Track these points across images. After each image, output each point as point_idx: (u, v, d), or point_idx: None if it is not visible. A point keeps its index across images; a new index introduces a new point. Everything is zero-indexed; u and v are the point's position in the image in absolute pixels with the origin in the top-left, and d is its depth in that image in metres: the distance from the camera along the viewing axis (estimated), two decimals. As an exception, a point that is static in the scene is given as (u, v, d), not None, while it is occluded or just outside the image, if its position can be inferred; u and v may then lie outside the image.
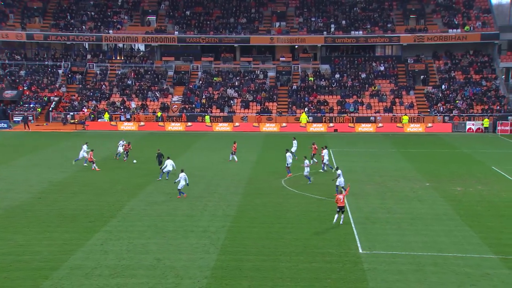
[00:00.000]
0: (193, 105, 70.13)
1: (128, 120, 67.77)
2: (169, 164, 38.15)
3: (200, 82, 74.89)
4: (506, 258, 23.59)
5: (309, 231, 27.13)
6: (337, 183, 33.33)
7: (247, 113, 68.52)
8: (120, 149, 45.90)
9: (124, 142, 45.69)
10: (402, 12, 79.51)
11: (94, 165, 41.73)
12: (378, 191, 35.25)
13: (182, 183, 33.33)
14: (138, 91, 73.16)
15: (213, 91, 72.72)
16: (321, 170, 40.89)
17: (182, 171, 34.11)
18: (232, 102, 70.40)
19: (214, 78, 74.88)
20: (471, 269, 22.44)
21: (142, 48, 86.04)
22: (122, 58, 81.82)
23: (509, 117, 63.41)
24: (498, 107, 66.04)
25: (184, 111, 69.04)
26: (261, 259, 23.60)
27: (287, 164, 39.22)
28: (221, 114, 68.52)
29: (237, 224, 28.39)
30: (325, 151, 41.30)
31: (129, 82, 75.08)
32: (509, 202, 32.64)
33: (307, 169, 37.31)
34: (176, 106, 70.56)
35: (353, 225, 27.99)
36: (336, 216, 28.04)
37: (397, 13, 79.57)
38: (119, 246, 25.26)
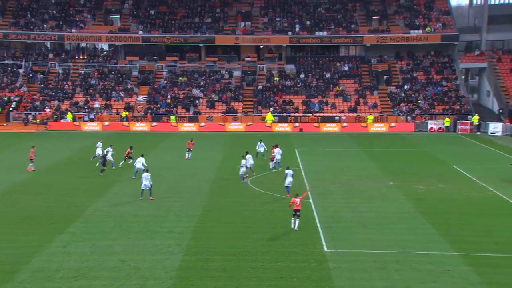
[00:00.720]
0: (158, 105, 69.62)
1: (91, 120, 66.88)
2: (138, 162, 37.76)
3: (165, 81, 74.39)
4: (466, 255, 24.08)
5: (274, 231, 27.20)
6: (286, 184, 33.20)
7: (213, 113, 68.40)
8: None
9: (111, 149, 42.65)
10: (365, 13, 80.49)
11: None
12: (343, 190, 35.60)
13: (145, 183, 32.94)
14: (102, 91, 72.27)
15: (178, 91, 72.31)
16: (272, 169, 40.89)
17: (146, 171, 33.84)
18: (197, 102, 70.16)
19: (179, 78, 74.47)
20: (433, 266, 22.84)
21: (105, 47, 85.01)
22: (85, 57, 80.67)
23: (468, 117, 64.80)
24: (458, 107, 67.41)
25: (149, 111, 68.49)
26: (227, 259, 23.60)
27: (249, 166, 39.04)
28: (187, 114, 68.20)
29: (202, 224, 28.31)
30: (276, 150, 41.15)
31: (93, 81, 74.10)
32: (469, 200, 33.36)
33: (242, 169, 37.29)
34: (141, 106, 69.95)
35: (318, 224, 28.19)
36: (292, 220, 27.39)
37: (360, 14, 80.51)
38: (82, 248, 24.93)
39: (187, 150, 45.99)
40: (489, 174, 40.02)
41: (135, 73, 75.91)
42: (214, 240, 25.86)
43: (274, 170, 40.75)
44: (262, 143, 45.22)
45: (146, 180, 32.90)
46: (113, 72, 75.73)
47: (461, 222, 28.77)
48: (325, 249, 24.79)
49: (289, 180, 33.32)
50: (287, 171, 33.77)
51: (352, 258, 23.67)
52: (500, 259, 23.74)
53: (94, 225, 28.31)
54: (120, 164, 42.42)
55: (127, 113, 67.15)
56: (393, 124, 64.71)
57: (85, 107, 69.04)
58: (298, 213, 27.23)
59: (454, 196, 34.15)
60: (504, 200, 33.31)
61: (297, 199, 27.29)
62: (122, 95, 71.50)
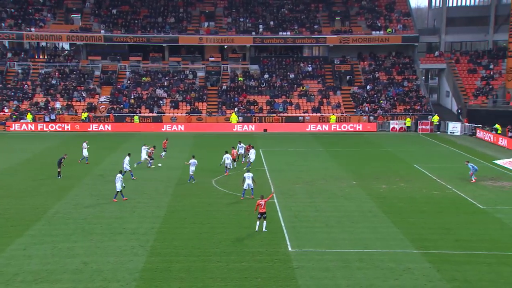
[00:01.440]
0: (121, 105, 68.84)
1: (52, 121, 65.70)
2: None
3: (128, 82, 73.62)
4: (427, 252, 24.53)
5: (239, 231, 27.25)
6: (244, 187, 33.03)
7: (177, 113, 67.99)
8: (85, 152, 43.48)
9: (85, 144, 43.31)
10: (327, 14, 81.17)
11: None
12: (307, 190, 35.83)
13: (118, 185, 32.66)
14: (63, 91, 71.06)
15: (141, 91, 71.64)
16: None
17: (120, 172, 33.66)
18: (161, 102, 69.64)
19: (143, 78, 73.80)
20: (395, 264, 23.18)
21: (66, 47, 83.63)
22: (46, 57, 79.18)
23: (429, 117, 66.03)
24: (419, 107, 68.62)
25: (112, 111, 67.66)
26: (191, 260, 23.53)
27: (226, 164, 39.54)
28: (150, 114, 67.64)
29: (166, 225, 28.18)
30: (251, 151, 41.63)
31: (54, 81, 72.79)
32: (429, 198, 33.97)
33: (192, 168, 37.42)
34: (104, 106, 69.04)
35: (282, 224, 28.32)
36: (257, 223, 27.31)
37: (323, 15, 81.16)
38: (43, 250, 24.52)
39: (163, 149, 46.23)
40: (448, 173, 40.86)
41: (97, 73, 74.90)
42: (178, 241, 25.76)
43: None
44: (241, 144, 44.92)
45: (119, 181, 32.62)
46: (74, 72, 74.56)
47: (422, 221, 29.27)
48: (289, 248, 24.92)
49: (247, 183, 32.96)
50: (245, 174, 33.54)
51: (316, 257, 23.83)
52: (459, 256, 24.21)
53: (55, 227, 27.86)
54: (162, 155, 44.62)
55: (87, 114, 66.06)
56: (355, 124, 65.38)
57: (46, 108, 67.76)
58: (264, 215, 27.22)
59: (415, 195, 34.73)
60: (463, 198, 34.03)
61: (262, 202, 27.21)
62: (84, 95, 70.46)
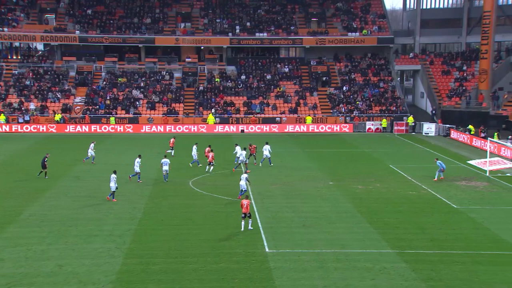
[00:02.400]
0: (97, 106, 68.21)
1: (27, 122, 64.81)
2: (165, 164, 37.78)
3: (104, 82, 72.96)
4: (402, 252, 24.76)
5: (216, 232, 27.22)
6: (242, 188, 33.19)
7: (153, 114, 67.62)
8: (92, 152, 44.27)
9: (92, 145, 44.07)
10: (304, 15, 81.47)
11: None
12: (284, 191, 35.93)
13: (112, 184, 32.64)
14: (37, 92, 70.15)
15: (117, 92, 71.07)
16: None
17: (114, 172, 33.52)
18: (137, 103, 69.19)
19: (119, 79, 73.21)
20: (371, 264, 23.35)
21: (40, 47, 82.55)
22: (19, 57, 78.02)
23: (404, 118, 66.69)
24: (394, 108, 69.27)
25: (88, 112, 67.00)
26: (168, 261, 23.46)
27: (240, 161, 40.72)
28: (127, 115, 67.14)
29: (143, 227, 28.03)
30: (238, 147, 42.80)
31: (27, 82, 71.81)
32: (405, 198, 34.31)
33: (165, 168, 37.66)
34: (79, 107, 68.33)
35: (259, 225, 28.35)
36: (242, 223, 27.57)
37: (299, 16, 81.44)
38: (16, 253, 24.19)
39: (171, 148, 47.70)
40: (423, 173, 41.28)
41: (72, 73, 74.06)
42: (155, 243, 25.64)
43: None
44: (238, 146, 44.75)
45: (113, 181, 32.59)
46: (49, 73, 73.64)
47: (398, 221, 29.56)
48: (267, 249, 24.95)
49: (240, 183, 33.27)
50: (242, 175, 33.94)
51: (293, 258, 23.90)
52: (434, 255, 24.47)
53: (29, 229, 27.52)
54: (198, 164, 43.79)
55: (60, 115, 65.23)
56: (332, 125, 65.77)
57: (20, 109, 66.83)
58: (248, 215, 27.49)
59: (390, 195, 35.05)
60: (437, 198, 34.41)
61: (245, 202, 27.49)
62: (59, 96, 69.65)
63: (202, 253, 24.40)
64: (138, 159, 38.15)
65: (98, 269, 22.56)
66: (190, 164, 43.09)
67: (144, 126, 64.94)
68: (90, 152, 44.45)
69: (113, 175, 32.97)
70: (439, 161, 39.73)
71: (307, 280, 21.76)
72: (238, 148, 43.47)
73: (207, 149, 42.79)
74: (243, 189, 32.91)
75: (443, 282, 21.67)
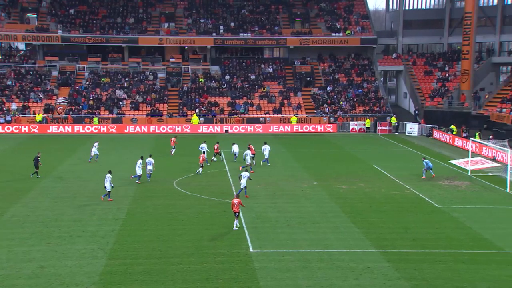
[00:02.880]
0: (80, 107, 67.70)
1: (8, 122, 64.13)
2: (148, 164, 37.78)
3: (87, 83, 72.42)
4: (386, 252, 24.89)
5: (200, 233, 27.15)
6: (241, 186, 33.52)
7: (137, 114, 67.28)
8: (96, 151, 44.86)
9: (97, 144, 44.53)
10: (288, 16, 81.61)
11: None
12: (269, 191, 35.93)
13: (107, 185, 32.68)
14: (19, 92, 69.45)
15: (101, 92, 70.62)
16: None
17: (109, 172, 33.51)
18: (121, 103, 68.78)
19: (102, 79, 72.74)
20: (355, 264, 23.43)
21: (22, 47, 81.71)
22: (0, 57, 77.14)
23: (387, 118, 67.06)
24: (378, 108, 69.61)
25: (71, 112, 66.44)
26: (152, 262, 23.35)
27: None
28: (110, 115, 66.74)
29: (127, 228, 27.90)
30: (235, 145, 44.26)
31: (9, 82, 71.05)
32: (388, 198, 34.50)
33: (149, 167, 37.87)
34: (62, 107, 67.75)
35: (244, 225, 28.35)
36: (235, 221, 27.89)
37: (283, 17, 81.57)
38: (-2, 255, 23.92)
39: (172, 147, 48.64)
40: (406, 173, 41.58)
41: (54, 73, 73.43)
42: (138, 244, 25.52)
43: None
44: (236, 145, 46.14)
45: (108, 181, 32.68)
46: (31, 73, 72.94)
47: (381, 220, 29.70)
48: (251, 249, 24.94)
49: (241, 182, 33.43)
50: (242, 173, 34.06)
51: (277, 258, 23.90)
52: (417, 254, 24.63)
53: (11, 231, 27.23)
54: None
55: (41, 116, 64.59)
56: (316, 125, 65.93)
57: (1, 109, 66.12)
58: (236, 214, 27.80)
59: (374, 195, 35.21)
60: (420, 198, 34.65)
61: (235, 201, 27.77)
62: (41, 96, 69.02)
63: (186, 253, 24.33)
64: (140, 161, 38.02)
65: (81, 270, 22.39)
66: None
67: (127, 127, 64.61)
68: (94, 151, 44.85)
69: (108, 175, 32.99)
70: (426, 160, 40.07)
71: (291, 280, 21.78)
72: (235, 147, 45.25)
73: (216, 145, 43.77)
74: (242, 187, 33.21)
75: (426, 281, 21.79)
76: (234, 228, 27.73)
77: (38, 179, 38.31)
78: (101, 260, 23.41)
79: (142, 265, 22.95)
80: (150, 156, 38.64)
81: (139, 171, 37.45)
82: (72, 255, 23.93)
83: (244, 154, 41.94)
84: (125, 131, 63.89)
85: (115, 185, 33.82)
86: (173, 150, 48.55)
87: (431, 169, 39.79)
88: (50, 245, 25.24)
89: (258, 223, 28.86)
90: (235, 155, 45.66)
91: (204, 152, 42.59)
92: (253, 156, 42.91)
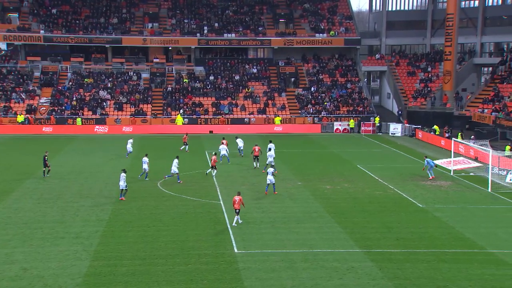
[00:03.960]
0: (63, 107, 67.18)
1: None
2: (144, 163, 38.23)
3: (70, 83, 71.90)
4: (369, 252, 25.00)
5: (185, 233, 27.09)
6: (267, 182, 34.70)
7: (121, 115, 66.93)
8: (129, 147, 46.73)
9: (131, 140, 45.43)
10: (272, 16, 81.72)
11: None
12: (253, 191, 35.92)
13: (121, 183, 32.78)
14: (0, 93, 68.73)
15: (84, 92, 70.13)
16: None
17: (123, 171, 33.59)
18: (104, 104, 68.39)
19: (85, 80, 72.25)
20: (339, 264, 23.49)
21: (3, 47, 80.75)
22: (-18, 57, 76.49)
23: (371, 118, 67.42)
24: (361, 109, 69.96)
25: (54, 113, 65.92)
26: (136, 263, 23.25)
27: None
28: (94, 116, 66.32)
29: (111, 229, 27.76)
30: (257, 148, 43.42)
31: (-10, 82, 70.36)
32: (372, 198, 34.67)
33: (144, 166, 38.20)
34: (44, 108, 67.17)
35: (228, 226, 28.34)
36: (235, 217, 28.45)
37: (267, 17, 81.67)
38: (-21, 257, 23.67)
39: (184, 143, 50.24)
40: (390, 173, 41.84)
41: (37, 74, 72.76)
42: (123, 245, 25.41)
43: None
44: (239, 139, 48.19)
45: (121, 180, 32.78)
46: (12, 73, 72.21)
47: (365, 220, 29.83)
48: (235, 250, 24.92)
49: (268, 178, 34.64)
50: (268, 169, 35.27)
51: (262, 258, 23.90)
52: (400, 254, 24.77)
53: (-7, 233, 26.97)
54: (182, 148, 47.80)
55: (23, 117, 63.98)
56: (301, 126, 66.07)
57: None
58: (237, 211, 28.30)
59: (358, 195, 35.36)
60: (403, 197, 34.88)
61: (236, 198, 28.29)
62: (23, 96, 68.37)
63: (171, 254, 24.25)
64: (145, 158, 38.63)
65: (64, 272, 22.22)
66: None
67: (111, 127, 64.15)
68: (129, 147, 46.62)
69: (123, 174, 33.14)
70: (428, 159, 40.38)
71: (276, 280, 21.79)
72: (239, 141, 47.22)
73: (257, 148, 43.23)
74: (272, 183, 34.57)
75: (409, 280, 21.90)
76: (234, 224, 28.17)
77: (20, 180, 37.94)
78: (84, 262, 23.26)
79: (127, 266, 22.84)
80: (146, 155, 39.02)
81: (175, 170, 37.90)
82: (55, 257, 23.76)
83: (240, 148, 41.64)
84: (109, 132, 63.23)
85: (98, 187, 33.70)
86: (186, 147, 50.25)
87: (432, 168, 39.94)
88: (32, 246, 25.03)
89: (242, 223, 28.81)
90: (240, 150, 47.64)
91: (215, 154, 41.88)
92: (257, 157, 42.93)
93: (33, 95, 68.93)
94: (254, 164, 43.03)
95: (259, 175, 40.94)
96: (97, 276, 21.92)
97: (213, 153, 42.45)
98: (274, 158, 41.51)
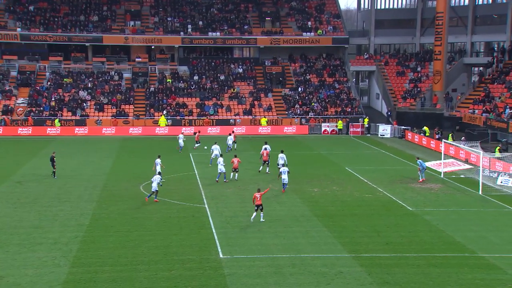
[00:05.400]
0: (41, 108, 65.86)
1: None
2: (157, 164, 37.63)
3: (49, 83, 70.53)
4: (358, 256, 24.58)
5: (168, 238, 26.58)
6: (283, 181, 35.51)
7: (102, 116, 65.77)
8: (181, 142, 49.57)
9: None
10: (258, 15, 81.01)
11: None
12: (238, 195, 35.29)
13: (154, 185, 32.57)
14: (-24, 93, 67.26)
15: (63, 93, 68.85)
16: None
17: (158, 173, 33.66)
18: (85, 104, 67.19)
19: (64, 79, 70.94)
20: (327, 269, 23.08)
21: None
22: (-46, 56, 74.68)
23: (360, 119, 66.86)
24: (350, 109, 69.41)
25: (31, 114, 64.54)
26: (118, 269, 22.79)
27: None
28: (73, 117, 65.09)
29: (91, 234, 27.17)
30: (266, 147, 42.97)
31: (-35, 82, 68.72)
32: (361, 201, 34.16)
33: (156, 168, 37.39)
34: (21, 109, 65.73)
35: (213, 230, 27.85)
36: (254, 214, 28.83)
37: (253, 15, 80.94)
38: (-47, 264, 22.85)
39: (196, 142, 51.47)
40: (379, 176, 41.35)
41: (13, 73, 71.26)
42: (103, 250, 24.89)
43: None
44: (231, 136, 50.28)
45: (154, 181, 32.87)
46: (-13, 73, 70.67)
47: (353, 224, 29.35)
48: (221, 255, 24.47)
49: (282, 177, 35.54)
50: (282, 169, 36.18)
51: (248, 264, 23.48)
52: (390, 258, 24.34)
53: (-33, 239, 26.10)
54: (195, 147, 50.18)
55: (4, 116, 62.64)
56: (288, 127, 65.46)
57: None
58: (260, 207, 28.88)
59: (346, 198, 34.85)
60: (393, 200, 34.42)
61: (257, 195, 28.80)
62: (-1, 97, 66.88)
63: (154, 260, 23.77)
64: (158, 160, 37.99)
65: (42, 279, 21.64)
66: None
67: (91, 129, 62.97)
68: (181, 143, 49.07)
69: (158, 176, 33.35)
70: (419, 160, 40.04)
71: (262, 286, 21.39)
72: (229, 138, 49.84)
73: (266, 152, 42.33)
74: (285, 182, 35.40)
75: (399, 285, 21.56)
76: (261, 220, 28.97)
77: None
78: (63, 268, 22.73)
79: (108, 273, 22.36)
80: (159, 157, 38.53)
81: (222, 168, 38.00)
82: (32, 263, 23.19)
83: (279, 157, 40.20)
84: (90, 133, 62.17)
85: (77, 191, 32.92)
86: (198, 145, 51.24)
87: (424, 170, 39.56)
88: (9, 253, 24.40)
89: (227, 227, 28.32)
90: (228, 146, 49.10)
91: (265, 148, 41.58)
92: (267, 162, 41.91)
93: (9, 95, 67.42)
94: (263, 168, 41.97)
95: (244, 177, 40.14)
96: (77, 283, 21.40)
97: (264, 147, 42.63)
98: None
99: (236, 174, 38.94)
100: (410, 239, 26.96)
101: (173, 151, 50.02)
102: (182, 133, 52.54)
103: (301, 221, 29.77)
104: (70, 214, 30.37)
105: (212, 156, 43.55)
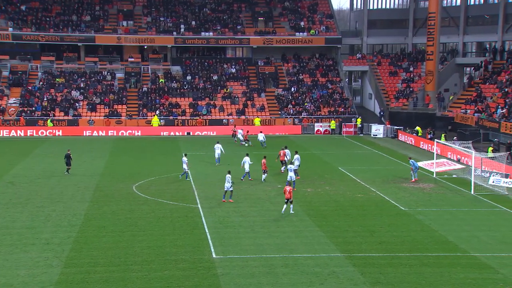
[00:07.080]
0: (33, 108, 65.56)
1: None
2: (184, 162, 38.49)
3: (41, 83, 70.25)
4: (351, 256, 24.58)
5: (162, 238, 26.49)
6: (288, 178, 35.71)
7: (94, 116, 65.55)
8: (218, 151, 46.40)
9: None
10: (251, 15, 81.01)
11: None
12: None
13: (227, 184, 32.81)
14: (-32, 92, 66.91)
15: (55, 93, 68.59)
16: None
17: (228, 172, 33.61)
18: (77, 104, 66.95)
19: (57, 79, 70.68)
20: (320, 268, 23.07)
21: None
22: None
23: (353, 119, 66.94)
24: (343, 109, 69.50)
25: (23, 114, 64.24)
26: (111, 270, 22.69)
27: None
28: (66, 117, 64.83)
29: (84, 234, 27.03)
30: (286, 151, 42.69)
31: (-43, 82, 68.35)
32: (354, 201, 34.19)
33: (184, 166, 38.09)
34: (13, 109, 65.42)
35: (206, 230, 27.79)
36: (284, 206, 30.28)
37: (246, 15, 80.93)
38: None
39: (246, 140, 53.85)
40: (372, 175, 41.40)
41: (5, 73, 70.95)
42: (96, 251, 24.76)
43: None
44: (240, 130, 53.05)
45: (227, 182, 32.93)
46: (-20, 73, 70.32)
47: (346, 224, 29.37)
48: (214, 255, 24.40)
49: (289, 175, 35.85)
50: (289, 166, 36.91)
51: (241, 264, 23.44)
52: (383, 258, 24.37)
53: (-41, 239, 25.93)
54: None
55: None
56: (281, 128, 65.46)
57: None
58: (290, 201, 30.32)
59: (339, 198, 34.87)
60: (386, 200, 34.47)
61: (287, 188, 30.45)
62: (-9, 97, 66.58)
63: (146, 260, 23.66)
64: (185, 158, 38.58)
65: (34, 280, 21.52)
66: (180, 177, 40.25)
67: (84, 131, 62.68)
68: (217, 152, 45.16)
69: (228, 176, 33.21)
70: (412, 160, 40.09)
71: (256, 286, 21.36)
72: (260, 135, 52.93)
73: (283, 152, 42.32)
74: (292, 180, 35.63)
75: (391, 285, 21.58)
76: (291, 212, 30.41)
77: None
78: (56, 269, 22.60)
79: (100, 273, 22.25)
80: (185, 155, 39.19)
81: (247, 168, 38.46)
82: (25, 264, 23.06)
83: (294, 158, 40.37)
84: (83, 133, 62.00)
85: (70, 191, 32.68)
86: (236, 138, 54.59)
87: (417, 170, 39.65)
88: (1, 253, 24.24)
89: (220, 228, 28.25)
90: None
91: (265, 157, 40.94)
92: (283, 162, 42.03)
93: (1, 95, 67.14)
94: (282, 169, 42.02)
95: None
96: (69, 283, 21.28)
97: (282, 147, 43.17)
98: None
99: (263, 176, 39.21)
100: (403, 238, 27.00)
101: (169, 151, 49.68)
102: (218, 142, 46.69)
103: (294, 221, 29.72)
104: (62, 214, 30.21)
105: (215, 156, 44.38)
